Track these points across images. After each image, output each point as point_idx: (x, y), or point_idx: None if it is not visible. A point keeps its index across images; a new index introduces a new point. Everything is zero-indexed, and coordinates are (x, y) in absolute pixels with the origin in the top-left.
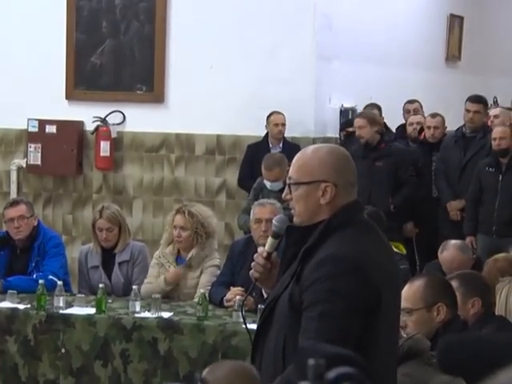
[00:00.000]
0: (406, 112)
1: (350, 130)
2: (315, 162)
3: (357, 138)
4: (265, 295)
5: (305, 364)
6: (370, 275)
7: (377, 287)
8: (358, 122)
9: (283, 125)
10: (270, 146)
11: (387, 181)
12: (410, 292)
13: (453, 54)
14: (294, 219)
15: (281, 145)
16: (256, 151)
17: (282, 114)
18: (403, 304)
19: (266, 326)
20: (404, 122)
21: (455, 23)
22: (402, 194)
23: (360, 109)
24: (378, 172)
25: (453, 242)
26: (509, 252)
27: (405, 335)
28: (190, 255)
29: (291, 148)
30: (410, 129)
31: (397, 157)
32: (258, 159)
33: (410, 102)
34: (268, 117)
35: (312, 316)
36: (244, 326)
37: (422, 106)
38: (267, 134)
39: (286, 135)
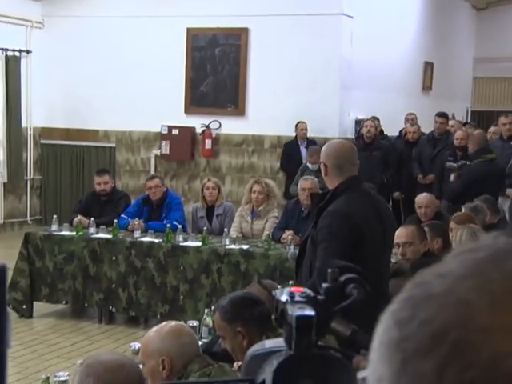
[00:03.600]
0: (406, 120)
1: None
2: (328, 150)
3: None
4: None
5: (325, 273)
6: (354, 221)
7: (359, 229)
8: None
9: (306, 129)
10: (299, 142)
11: (380, 164)
12: (407, 232)
13: (427, 86)
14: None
15: (305, 142)
16: (290, 147)
17: (305, 123)
18: (403, 239)
19: (302, 254)
20: (403, 127)
21: (428, 66)
22: (389, 172)
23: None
24: (375, 158)
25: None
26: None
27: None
28: (259, 209)
29: (311, 144)
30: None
31: (386, 149)
32: (291, 152)
33: (410, 113)
34: (296, 125)
35: (320, 248)
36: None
37: (416, 117)
38: (296, 136)
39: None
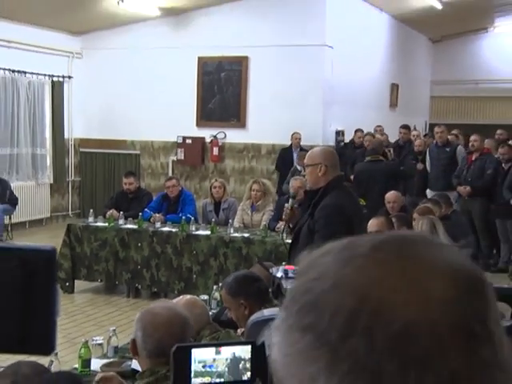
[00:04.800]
0: (375, 131)
1: (343, 143)
2: (314, 153)
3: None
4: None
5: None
6: (346, 213)
7: (350, 220)
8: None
9: (299, 138)
10: (293, 149)
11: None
12: (378, 222)
13: (393, 103)
14: (307, 185)
15: (298, 149)
16: (285, 152)
17: (299, 133)
18: (375, 228)
19: (295, 241)
20: None
21: (394, 87)
22: None
23: (346, 131)
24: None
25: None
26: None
27: None
28: (257, 204)
29: (302, 150)
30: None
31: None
32: (285, 157)
33: (378, 126)
34: (292, 134)
35: (318, 236)
36: (283, 242)
37: (383, 128)
38: (291, 143)
39: (302, 144)
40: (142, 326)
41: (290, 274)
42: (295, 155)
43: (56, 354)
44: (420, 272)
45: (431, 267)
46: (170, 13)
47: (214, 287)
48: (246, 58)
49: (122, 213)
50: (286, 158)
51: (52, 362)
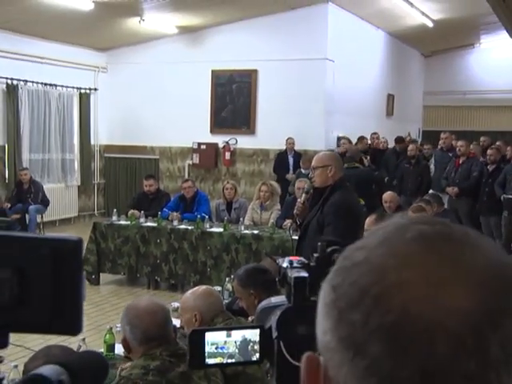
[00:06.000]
0: (372, 138)
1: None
2: (324, 157)
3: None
4: (298, 222)
5: (316, 246)
6: (352, 209)
7: (356, 215)
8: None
9: (293, 143)
10: (288, 153)
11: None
12: (371, 220)
13: (389, 112)
14: (315, 185)
15: (292, 153)
16: (281, 156)
17: (292, 138)
18: (369, 226)
19: (303, 237)
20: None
21: (390, 97)
22: None
23: (346, 137)
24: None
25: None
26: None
27: None
28: (266, 204)
29: (298, 154)
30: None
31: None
32: (281, 160)
33: (374, 133)
34: (286, 139)
35: (328, 229)
36: (291, 238)
37: (379, 135)
38: (286, 148)
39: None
40: (128, 321)
41: (295, 264)
42: (290, 158)
43: (83, 339)
44: (446, 275)
45: (460, 272)
46: (186, 30)
47: (227, 279)
48: (255, 71)
49: (142, 212)
50: (281, 161)
51: (80, 346)
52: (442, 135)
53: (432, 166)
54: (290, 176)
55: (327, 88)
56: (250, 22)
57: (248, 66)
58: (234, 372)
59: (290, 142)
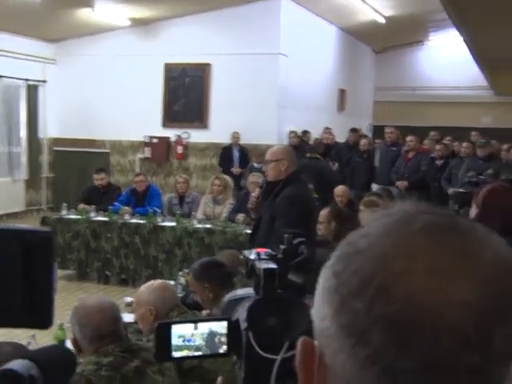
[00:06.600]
0: (324, 132)
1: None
2: (278, 151)
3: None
4: (253, 217)
5: (282, 238)
6: (305, 202)
7: (308, 208)
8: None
9: (238, 137)
10: (233, 147)
11: None
12: (325, 213)
13: (341, 107)
14: (268, 178)
15: (238, 147)
16: (226, 150)
17: (238, 132)
18: (323, 219)
19: (256, 229)
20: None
21: (342, 92)
22: None
23: (298, 131)
24: None
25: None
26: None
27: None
28: (219, 198)
29: (243, 149)
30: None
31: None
32: (226, 154)
33: (327, 128)
34: (232, 133)
35: (280, 222)
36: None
37: (331, 130)
38: (231, 142)
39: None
40: (77, 320)
41: (263, 256)
42: (236, 152)
43: (33, 335)
44: (452, 267)
45: (466, 265)
46: (138, 23)
47: (179, 273)
48: (208, 65)
49: (93, 206)
50: (226, 156)
51: (30, 342)
52: (387, 130)
53: (376, 161)
54: (235, 170)
55: (280, 82)
56: (204, 15)
57: (201, 60)
58: (190, 366)
59: (235, 135)
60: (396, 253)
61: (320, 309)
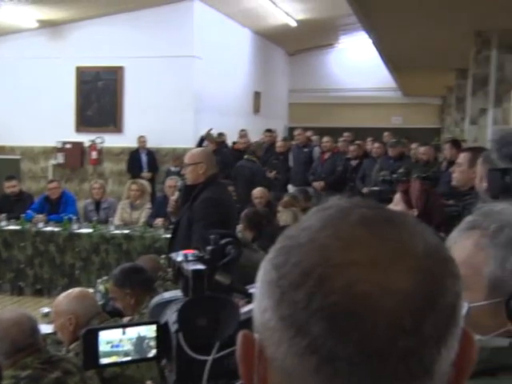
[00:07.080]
0: (240, 136)
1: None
2: (196, 154)
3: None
4: (172, 220)
5: (206, 240)
6: (223, 205)
7: (226, 211)
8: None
9: (145, 141)
10: (140, 151)
11: None
12: (244, 215)
13: (256, 109)
14: (187, 182)
15: (145, 151)
16: (133, 154)
17: (144, 136)
18: (242, 222)
19: (175, 233)
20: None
21: (257, 95)
22: None
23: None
24: None
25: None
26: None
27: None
28: (136, 203)
29: (151, 152)
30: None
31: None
32: (134, 159)
33: (242, 130)
34: (139, 138)
35: (198, 224)
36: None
37: (247, 132)
38: (138, 146)
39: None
40: None
41: (190, 257)
42: (144, 157)
43: None
44: (388, 258)
45: (401, 255)
46: (47, 24)
47: (98, 281)
48: (121, 68)
49: (4, 215)
50: (134, 160)
51: None
52: (295, 132)
53: (290, 162)
54: (145, 174)
55: (195, 85)
56: (117, 17)
57: (114, 63)
58: (112, 375)
59: (142, 140)
60: (335, 245)
61: (260, 302)
